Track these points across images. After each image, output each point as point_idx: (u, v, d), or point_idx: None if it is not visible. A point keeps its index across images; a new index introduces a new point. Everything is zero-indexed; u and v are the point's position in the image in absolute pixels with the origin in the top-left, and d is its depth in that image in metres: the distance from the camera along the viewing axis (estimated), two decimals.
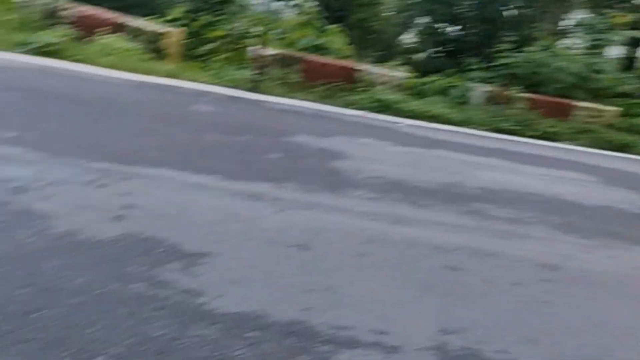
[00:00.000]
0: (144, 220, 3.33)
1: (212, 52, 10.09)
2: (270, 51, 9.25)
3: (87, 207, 3.38)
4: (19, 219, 3.09)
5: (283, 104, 7.67)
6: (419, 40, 21.93)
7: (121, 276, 2.71)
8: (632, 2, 14.71)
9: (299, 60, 9.37)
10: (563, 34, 15.37)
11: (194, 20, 10.61)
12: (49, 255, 2.79)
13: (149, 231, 3.20)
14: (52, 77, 6.61)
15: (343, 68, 9.42)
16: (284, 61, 9.29)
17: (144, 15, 10.00)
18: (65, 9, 8.64)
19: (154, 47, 8.86)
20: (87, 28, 8.43)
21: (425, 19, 20.87)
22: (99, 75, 7.08)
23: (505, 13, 15.81)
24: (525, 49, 11.42)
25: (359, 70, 9.45)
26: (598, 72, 10.99)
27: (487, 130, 8.84)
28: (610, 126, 10.15)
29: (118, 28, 8.73)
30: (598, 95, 10.84)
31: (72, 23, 8.47)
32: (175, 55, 9.15)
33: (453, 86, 10.20)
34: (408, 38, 23.25)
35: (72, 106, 5.50)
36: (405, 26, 23.27)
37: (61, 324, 2.31)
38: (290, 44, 10.61)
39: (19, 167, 3.78)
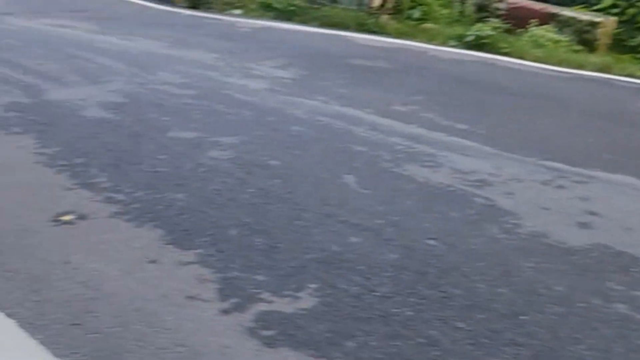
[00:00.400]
0: (612, 231, 3.05)
1: None
2: None
3: (548, 209, 3.26)
4: (487, 213, 3.15)
5: None
6: None
7: (601, 292, 2.51)
8: None
9: None
10: None
11: (628, 7, 9.66)
12: (521, 255, 2.75)
13: (620, 245, 2.91)
14: (488, 69, 6.77)
15: None
16: None
17: (571, 4, 9.52)
18: (496, 2, 8.78)
19: (583, 38, 8.35)
20: (516, 20, 8.41)
21: None
22: (530, 68, 6.97)
23: None
24: None
25: None
26: None
27: None
28: None
29: (547, 19, 8.48)
30: None
31: (502, 15, 8.55)
32: (605, 47, 8.47)
33: None
34: None
35: (511, 99, 5.51)
36: None
37: (547, 334, 2.22)
38: None
39: (475, 160, 3.89)
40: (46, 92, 4.69)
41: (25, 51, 6.10)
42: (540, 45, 7.75)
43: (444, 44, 7.86)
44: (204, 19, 9.14)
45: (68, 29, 7.68)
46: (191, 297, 2.26)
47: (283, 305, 2.25)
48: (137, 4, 11.01)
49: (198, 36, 7.54)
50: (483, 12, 8.84)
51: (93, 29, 7.70)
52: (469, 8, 9.04)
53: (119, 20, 8.82)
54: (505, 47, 7.67)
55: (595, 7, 9.62)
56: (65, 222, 2.75)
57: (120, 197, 3.03)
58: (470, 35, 7.83)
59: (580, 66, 7.30)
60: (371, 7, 8.71)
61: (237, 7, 10.11)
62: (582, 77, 6.86)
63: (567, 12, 8.67)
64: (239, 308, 2.21)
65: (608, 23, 8.63)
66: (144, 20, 9.01)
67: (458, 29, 8.22)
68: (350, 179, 3.45)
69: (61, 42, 6.66)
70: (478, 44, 7.71)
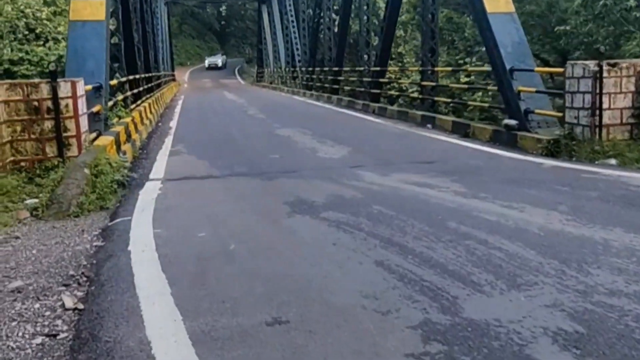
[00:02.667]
0: None
1: None
2: None
3: None
4: None
5: None
6: None
7: None
8: None
9: None
10: None
11: None
12: None
13: None
14: None
15: None
16: None
17: None
18: None
19: None
20: None
21: None
22: None
23: None
24: None
25: None
26: None
27: None
28: None
29: None
30: None
31: None
32: None
33: None
34: None
35: None
36: None
37: None
38: None
39: None
40: (461, 302, 3.50)
41: (401, 224, 5.22)
42: None
43: None
44: (575, 173, 7.59)
45: (430, 189, 6.82)
46: None
47: None
48: (483, 151, 10.08)
49: (591, 201, 5.98)
50: None
51: (459, 190, 6.69)
52: None
53: (475, 175, 7.77)
54: None
55: None
56: None
57: None
58: None
59: None
60: None
61: (610, 156, 8.40)
62: None
63: None
64: None
65: None
66: (501, 174, 7.84)
67: None
68: None
69: (436, 210, 5.70)
70: None
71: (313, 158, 9.88)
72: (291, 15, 35.81)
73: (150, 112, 17.02)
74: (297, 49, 34.17)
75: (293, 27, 35.24)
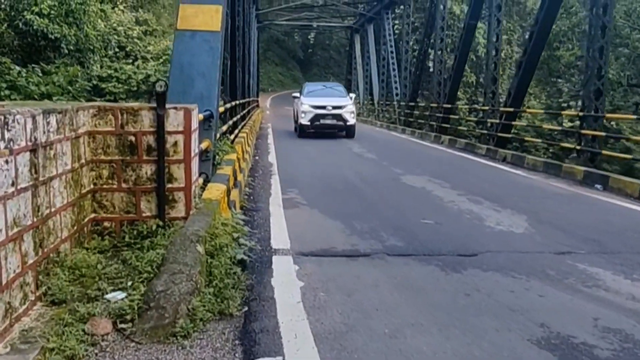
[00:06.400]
0: None
1: None
2: None
3: None
4: None
5: None
6: None
7: None
8: None
9: None
10: None
11: None
12: None
13: None
14: None
15: None
16: None
17: None
18: None
19: None
20: None
21: None
22: None
23: None
24: None
25: None
26: None
27: None
28: None
29: None
30: None
31: None
32: None
33: None
34: None
35: None
36: None
37: None
38: None
39: None
40: None
41: None
42: None
43: None
44: None
45: None
46: None
47: None
48: None
49: None
50: None
51: None
52: None
53: None
54: None
55: None
56: None
57: None
58: None
59: None
60: None
61: None
62: None
63: None
64: None
65: None
66: None
67: None
68: None
69: None
70: None
71: (484, 229, 7.18)
72: (390, 46, 33.44)
73: (248, 144, 14.78)
74: (396, 82, 31.69)
75: (392, 58, 32.83)
